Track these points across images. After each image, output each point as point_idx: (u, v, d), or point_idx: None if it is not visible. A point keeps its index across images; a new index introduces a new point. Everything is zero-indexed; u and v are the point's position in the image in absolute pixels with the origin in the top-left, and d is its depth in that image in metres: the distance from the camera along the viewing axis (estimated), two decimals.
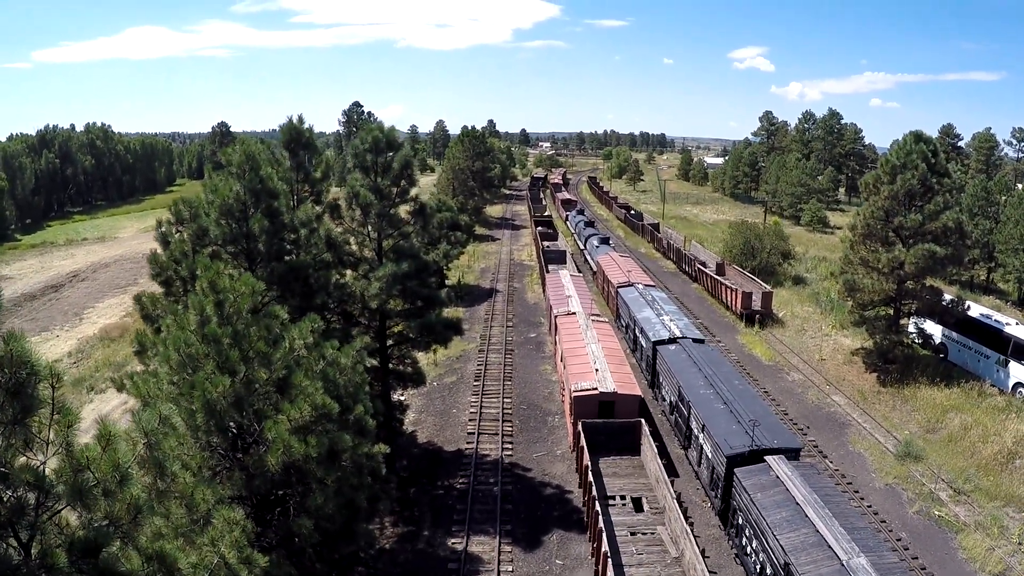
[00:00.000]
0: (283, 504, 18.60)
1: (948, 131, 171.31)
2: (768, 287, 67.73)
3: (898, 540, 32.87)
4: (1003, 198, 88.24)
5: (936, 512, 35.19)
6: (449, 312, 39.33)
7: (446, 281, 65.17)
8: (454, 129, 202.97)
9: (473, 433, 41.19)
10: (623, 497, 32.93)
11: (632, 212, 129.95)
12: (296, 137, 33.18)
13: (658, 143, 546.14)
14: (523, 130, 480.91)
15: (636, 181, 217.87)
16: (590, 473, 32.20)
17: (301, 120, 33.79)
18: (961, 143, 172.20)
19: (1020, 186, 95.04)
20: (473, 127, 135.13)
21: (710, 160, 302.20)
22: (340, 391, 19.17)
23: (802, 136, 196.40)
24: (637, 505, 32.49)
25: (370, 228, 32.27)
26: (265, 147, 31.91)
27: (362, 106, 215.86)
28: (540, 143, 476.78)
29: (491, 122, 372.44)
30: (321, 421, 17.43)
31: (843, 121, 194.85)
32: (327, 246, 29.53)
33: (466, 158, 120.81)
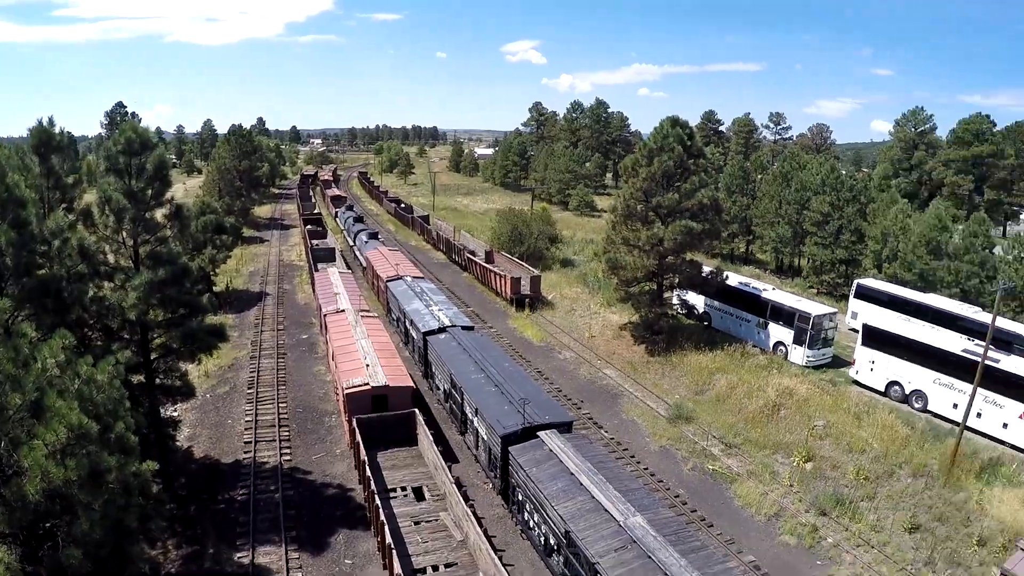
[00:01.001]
0: (53, 536, 17.47)
1: (710, 117, 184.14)
2: (536, 271, 69.57)
3: (676, 496, 34.93)
4: (759, 176, 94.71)
5: (710, 466, 37.88)
6: (217, 319, 38.06)
7: (214, 287, 62.94)
8: (223, 128, 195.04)
9: (250, 442, 39.90)
10: (404, 488, 32.98)
11: (402, 206, 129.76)
12: (46, 141, 31.41)
13: (430, 136, 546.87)
14: (294, 127, 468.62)
15: (407, 175, 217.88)
16: (368, 468, 32.04)
17: (52, 122, 31.92)
18: (723, 128, 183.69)
19: (775, 166, 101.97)
20: (240, 126, 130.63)
21: (481, 151, 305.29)
22: (98, 409, 18.16)
23: (571, 125, 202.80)
24: (419, 495, 32.59)
25: (125, 234, 30.50)
26: (13, 152, 29.89)
27: (125, 106, 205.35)
28: (312, 140, 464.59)
29: (260, 120, 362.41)
30: (80, 442, 16.48)
31: (610, 110, 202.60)
32: (80, 256, 27.70)
33: (233, 158, 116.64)
